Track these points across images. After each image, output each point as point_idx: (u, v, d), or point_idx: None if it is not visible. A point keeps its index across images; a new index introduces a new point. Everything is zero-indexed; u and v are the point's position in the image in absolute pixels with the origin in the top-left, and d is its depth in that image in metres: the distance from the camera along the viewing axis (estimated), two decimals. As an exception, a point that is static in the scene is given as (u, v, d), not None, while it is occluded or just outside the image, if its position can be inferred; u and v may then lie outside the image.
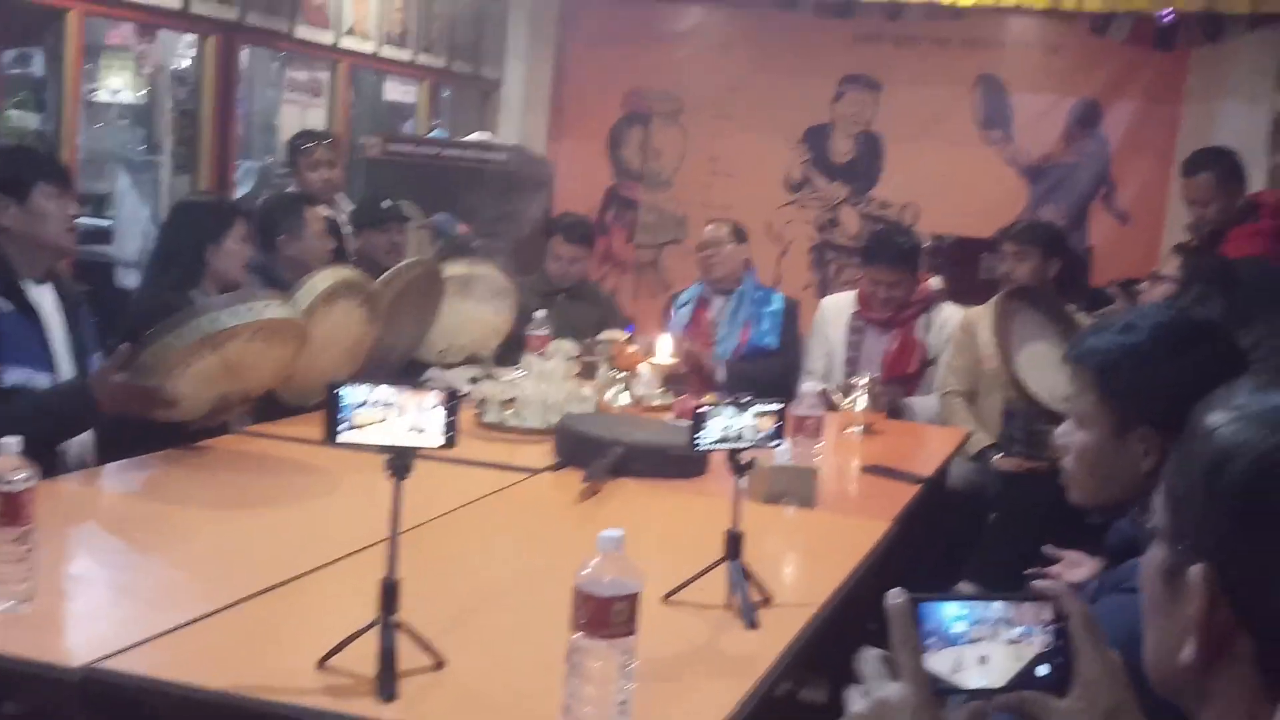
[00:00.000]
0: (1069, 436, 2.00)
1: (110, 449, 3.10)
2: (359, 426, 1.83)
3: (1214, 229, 4.65)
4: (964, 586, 4.04)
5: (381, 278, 3.91)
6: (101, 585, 2.28)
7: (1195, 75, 6.31)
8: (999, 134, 6.68)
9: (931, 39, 6.71)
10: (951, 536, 4.20)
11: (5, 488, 2.01)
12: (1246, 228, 4.60)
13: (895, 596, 1.18)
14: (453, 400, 1.83)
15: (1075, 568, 3.18)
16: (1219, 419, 1.02)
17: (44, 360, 3.02)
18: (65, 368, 3.07)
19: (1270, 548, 0.96)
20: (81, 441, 3.10)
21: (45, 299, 3.09)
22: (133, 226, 5.69)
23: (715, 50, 7.06)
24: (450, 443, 1.83)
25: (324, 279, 3.54)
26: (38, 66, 5.78)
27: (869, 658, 1.22)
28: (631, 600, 1.70)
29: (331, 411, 1.82)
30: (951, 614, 1.20)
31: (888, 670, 1.21)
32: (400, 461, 1.83)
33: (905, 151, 6.80)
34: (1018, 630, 1.21)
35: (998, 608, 1.21)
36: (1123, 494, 1.92)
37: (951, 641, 1.20)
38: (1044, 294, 4.54)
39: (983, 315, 4.49)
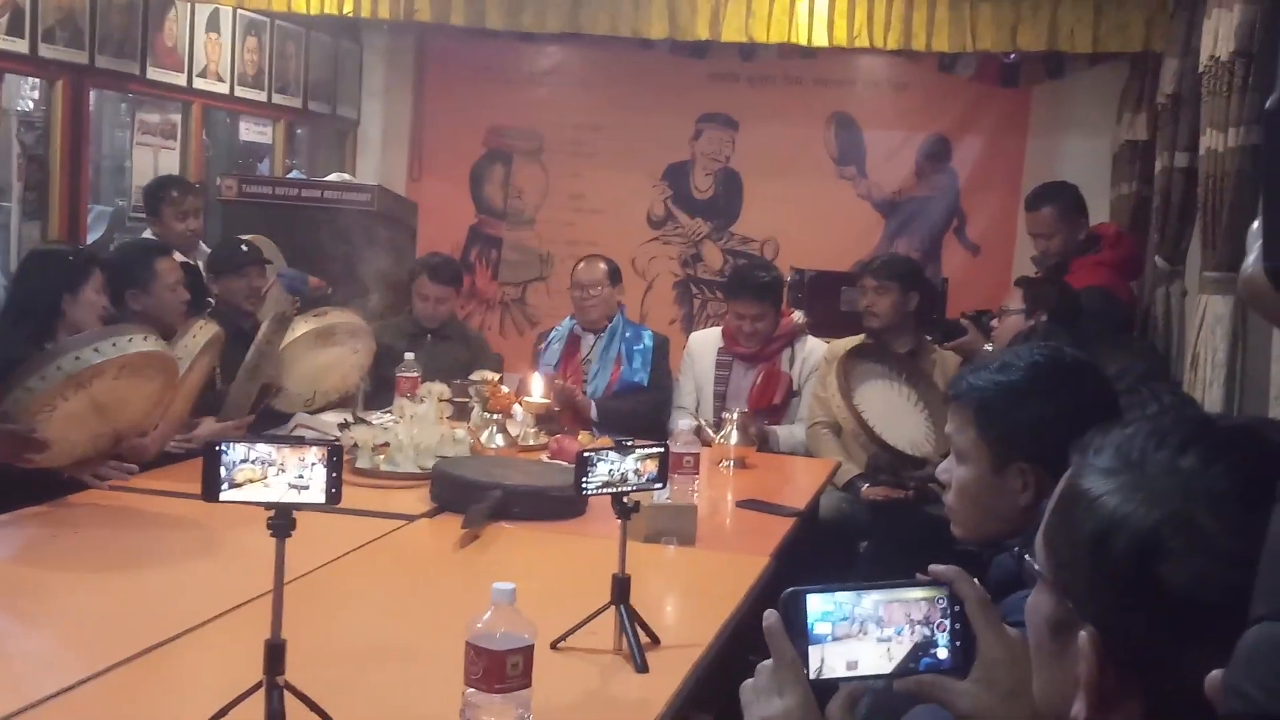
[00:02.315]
0: (949, 473, 2.05)
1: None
2: (239, 484, 1.79)
3: (1058, 261, 4.81)
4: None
5: (262, 336, 3.88)
6: (-35, 656, 2.19)
7: (1038, 110, 6.55)
8: (853, 170, 6.84)
9: (785, 78, 6.84)
10: (825, 567, 4.26)
11: None
12: (1088, 259, 4.77)
13: (769, 615, 1.21)
14: (335, 456, 1.80)
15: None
16: (1101, 486, 1.02)
17: None
18: None
19: (1157, 622, 0.97)
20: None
21: None
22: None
23: (574, 89, 7.10)
24: (333, 499, 1.81)
25: (203, 332, 3.56)
26: None
27: (760, 669, 1.25)
28: (526, 653, 1.70)
29: (211, 469, 1.79)
30: (836, 604, 1.23)
31: (772, 683, 1.23)
32: (282, 520, 1.80)
33: (764, 187, 6.92)
34: (903, 616, 1.24)
35: (881, 595, 1.24)
36: (1003, 528, 1.98)
37: (836, 632, 1.22)
38: (882, 348, 4.63)
39: (831, 369, 4.56)
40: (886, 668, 1.23)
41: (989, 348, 4.35)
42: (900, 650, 1.24)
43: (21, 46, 4.77)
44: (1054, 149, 6.46)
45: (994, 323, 4.39)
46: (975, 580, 1.26)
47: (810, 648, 1.22)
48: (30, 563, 2.77)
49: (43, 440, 2.86)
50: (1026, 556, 1.09)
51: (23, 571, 2.69)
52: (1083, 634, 1.01)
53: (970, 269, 6.62)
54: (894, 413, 4.48)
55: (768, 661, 1.25)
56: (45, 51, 4.89)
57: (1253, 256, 1.43)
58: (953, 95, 6.66)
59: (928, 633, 1.23)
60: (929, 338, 4.85)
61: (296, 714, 1.82)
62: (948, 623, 1.24)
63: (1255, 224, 1.41)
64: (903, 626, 1.24)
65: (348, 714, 1.87)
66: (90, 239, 5.71)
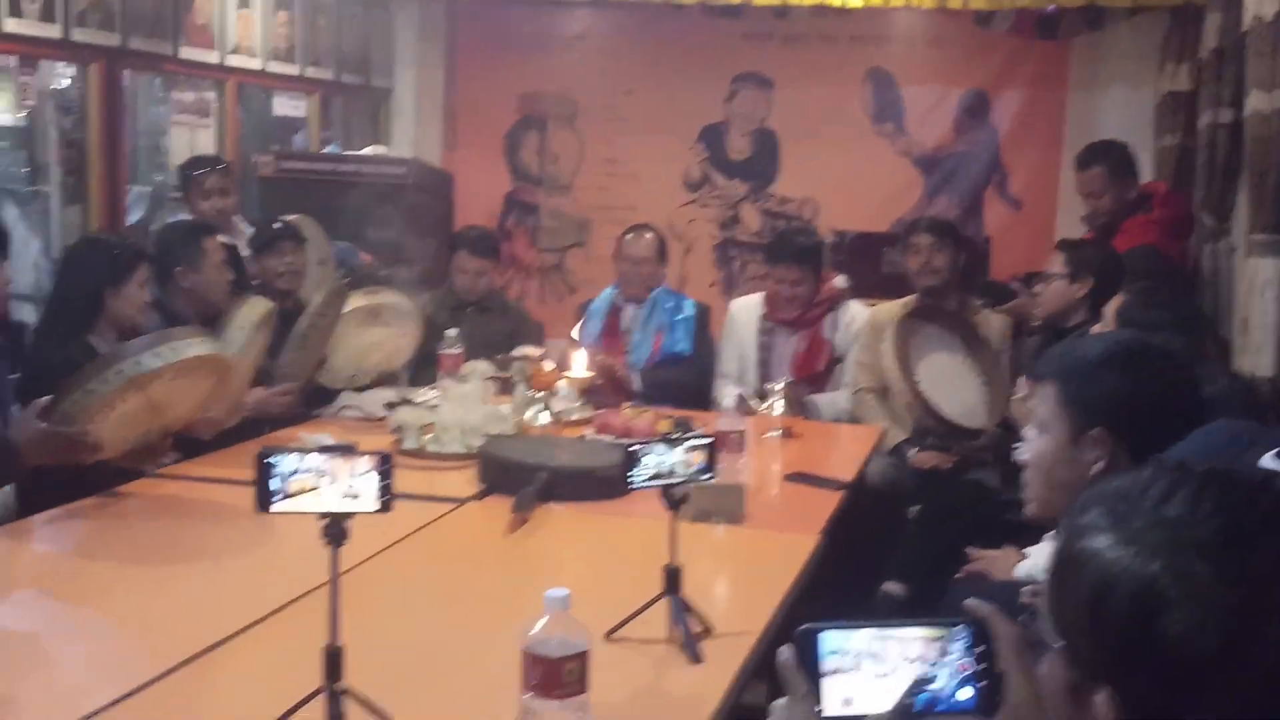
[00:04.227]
0: (1027, 447, 2.09)
1: (30, 497, 3.02)
2: (292, 495, 1.80)
3: (1108, 221, 4.75)
4: (890, 586, 4.10)
5: (311, 310, 3.91)
6: (29, 660, 2.21)
7: (1078, 63, 6.44)
8: (891, 127, 6.76)
9: (820, 36, 6.76)
10: (872, 534, 4.25)
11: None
12: (1139, 219, 4.71)
13: (785, 651, 1.21)
14: (385, 464, 1.80)
15: (998, 563, 3.26)
16: (1093, 545, 1.02)
17: None
18: None
19: (1163, 675, 0.97)
20: (3, 491, 3.02)
21: None
22: (22, 259, 5.52)
23: (607, 52, 7.04)
24: (386, 507, 1.81)
25: (253, 309, 3.55)
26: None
27: (773, 707, 1.24)
28: (582, 659, 1.71)
29: (263, 480, 1.79)
30: (849, 640, 1.22)
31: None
32: (335, 529, 1.81)
33: (801, 147, 6.85)
34: (922, 653, 1.23)
35: (895, 633, 1.23)
36: (1072, 502, 1.98)
37: (852, 668, 1.22)
38: (941, 310, 4.60)
39: (887, 331, 4.54)
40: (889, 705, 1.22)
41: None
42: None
43: (55, 31, 4.77)
44: (1095, 101, 6.35)
45: (1037, 288, 4.34)
46: (1010, 620, 1.24)
47: (823, 682, 1.21)
48: (86, 557, 2.80)
49: (96, 443, 2.89)
50: (1033, 622, 1.08)
51: (79, 567, 2.73)
52: (1098, 698, 1.01)
53: (1012, 226, 6.54)
54: (950, 383, 4.46)
55: (782, 700, 1.25)
56: (78, 35, 4.88)
57: None
58: (990, 49, 6.56)
59: (930, 670, 1.22)
60: (978, 300, 4.80)
61: (355, 715, 1.83)
62: (972, 662, 1.23)
63: None
64: (915, 663, 1.22)
65: (407, 717, 1.88)
66: (130, 220, 5.74)
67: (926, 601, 3.72)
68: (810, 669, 1.21)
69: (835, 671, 1.20)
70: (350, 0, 6.70)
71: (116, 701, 1.96)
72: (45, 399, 2.85)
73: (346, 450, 1.82)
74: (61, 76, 6.11)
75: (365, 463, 1.81)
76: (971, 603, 1.25)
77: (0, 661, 2.12)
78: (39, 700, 2.01)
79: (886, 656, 1.20)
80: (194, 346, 2.99)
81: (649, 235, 5.04)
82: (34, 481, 3.01)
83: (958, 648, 1.22)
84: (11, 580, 2.57)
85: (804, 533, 3.01)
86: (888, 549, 4.21)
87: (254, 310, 3.65)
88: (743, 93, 6.96)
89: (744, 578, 2.85)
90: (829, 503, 3.32)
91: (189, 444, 3.49)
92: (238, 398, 3.65)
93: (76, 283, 3.58)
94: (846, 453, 4.07)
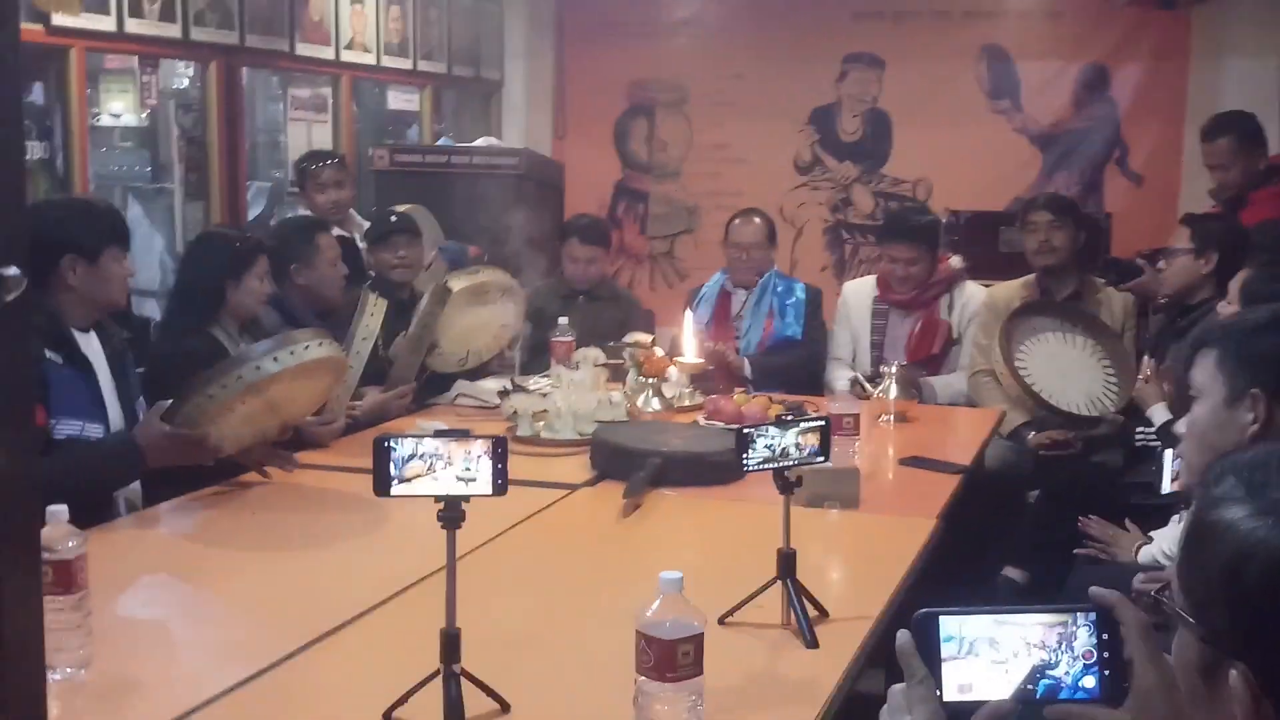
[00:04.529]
0: (1185, 422, 2.14)
1: (156, 487, 3.10)
2: (409, 479, 1.82)
3: (1235, 193, 4.61)
4: (1010, 571, 4.03)
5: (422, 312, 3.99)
6: (156, 644, 2.27)
7: (1199, 33, 6.25)
8: (1007, 103, 6.64)
9: (931, 12, 6.66)
10: (991, 519, 4.18)
11: (56, 556, 2.00)
12: (1267, 190, 4.56)
13: (904, 635, 1.19)
14: (500, 448, 1.82)
15: (1122, 541, 3.18)
16: (1228, 516, 0.99)
17: (95, 410, 3.02)
18: (115, 415, 3.08)
19: None
20: (129, 489, 3.11)
21: (92, 347, 3.09)
22: (147, 255, 5.68)
23: (715, 37, 7.01)
24: (500, 491, 1.82)
25: (375, 316, 3.86)
26: (38, 95, 5.76)
27: (892, 690, 1.22)
28: (696, 641, 1.70)
29: (381, 464, 1.82)
30: (968, 627, 1.19)
31: (903, 702, 1.21)
32: (452, 512, 1.82)
33: (914, 127, 6.76)
34: (1042, 640, 1.19)
35: (1015, 618, 1.20)
36: None
37: (972, 653, 1.19)
38: (1053, 302, 4.51)
39: (1005, 300, 4.46)
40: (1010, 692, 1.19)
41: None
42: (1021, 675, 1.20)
43: (174, 31, 4.90)
44: (1218, 72, 6.17)
45: (1161, 264, 4.22)
46: (1136, 607, 1.21)
47: (943, 666, 1.19)
48: (210, 544, 2.87)
49: (216, 446, 2.95)
50: (1164, 598, 1.05)
51: (209, 554, 2.79)
52: (1233, 673, 0.98)
53: (1134, 202, 6.38)
54: (1066, 370, 4.36)
55: (900, 685, 1.22)
56: (197, 34, 5.01)
57: None
58: (1108, 21, 6.40)
59: (1050, 657, 1.18)
60: (1100, 279, 4.69)
61: (471, 696, 1.85)
62: (1095, 650, 1.19)
63: None
64: (1035, 649, 1.19)
65: (522, 696, 1.90)
66: (250, 216, 5.86)
67: (1047, 587, 3.65)
68: (929, 654, 1.19)
69: (954, 657, 1.18)
70: (460, -7, 6.77)
71: (239, 685, 2.00)
72: (167, 401, 2.91)
73: (461, 435, 1.83)
74: (182, 76, 6.26)
75: (480, 446, 1.82)
76: (1096, 590, 1.21)
77: (126, 644, 2.17)
78: (163, 683, 2.05)
79: (1005, 642, 1.18)
80: (313, 350, 3.04)
81: (757, 220, 5.01)
82: (159, 475, 3.08)
83: (1082, 635, 1.19)
84: (137, 565, 2.63)
85: (920, 517, 2.97)
86: (1007, 534, 4.13)
87: (378, 310, 3.79)
88: (853, 73, 6.89)
89: (859, 562, 2.82)
90: (946, 487, 3.27)
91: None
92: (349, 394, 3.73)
93: (198, 276, 3.67)
94: (964, 436, 4.01)
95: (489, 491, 1.82)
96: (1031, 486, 4.31)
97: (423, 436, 1.82)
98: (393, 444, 1.81)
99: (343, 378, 3.33)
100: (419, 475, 1.82)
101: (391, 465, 1.81)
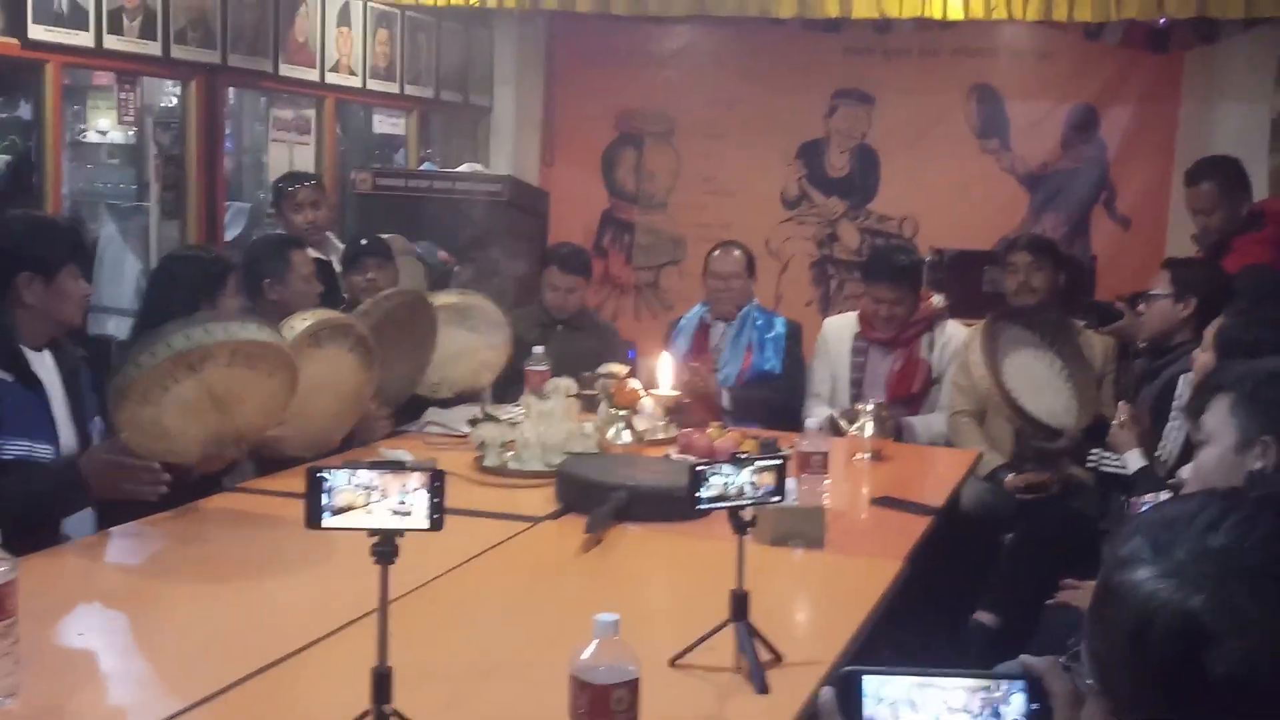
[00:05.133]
0: (1190, 467, 2.15)
1: (110, 508, 3.03)
2: (341, 510, 1.76)
3: (1218, 238, 4.57)
4: (981, 616, 3.96)
5: (356, 310, 3.84)
6: (90, 672, 2.21)
7: (1191, 77, 6.24)
8: (996, 143, 6.61)
9: (922, 50, 6.64)
10: (965, 562, 4.12)
11: (-16, 582, 1.94)
12: (1251, 236, 4.53)
13: (826, 693, 1.14)
14: (437, 481, 1.76)
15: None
16: (1132, 578, 0.95)
17: (45, 430, 2.96)
18: (66, 435, 3.02)
19: (1211, 711, 0.90)
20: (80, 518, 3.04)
21: (45, 366, 3.03)
22: (114, 271, 5.63)
23: (705, 69, 6.99)
24: (436, 525, 1.76)
25: (304, 318, 3.46)
26: (25, 111, 5.72)
27: None
28: (631, 687, 1.63)
29: (313, 496, 1.76)
30: (892, 687, 1.14)
31: None
32: (386, 546, 1.76)
33: (902, 164, 6.74)
34: (965, 705, 1.14)
35: (941, 682, 1.15)
36: None
37: (890, 717, 1.14)
38: (1031, 310, 4.47)
39: (975, 335, 4.42)
40: None
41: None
42: None
43: (154, 49, 4.85)
44: (1208, 116, 6.15)
45: (1140, 308, 4.18)
46: (1067, 675, 1.15)
47: None
48: (151, 572, 2.80)
49: (159, 477, 2.87)
50: (1073, 664, 1.00)
51: (151, 583, 2.72)
52: None
53: (1121, 244, 6.35)
54: (1038, 383, 4.32)
55: None
56: (178, 52, 4.97)
57: None
58: (1100, 63, 6.39)
59: None
60: (1082, 321, 4.65)
61: (404, 739, 1.79)
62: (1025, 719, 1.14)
63: None
64: (958, 715, 1.14)
65: (456, 741, 1.83)
66: (229, 236, 5.81)
67: (1019, 633, 3.58)
68: (851, 714, 1.14)
69: (875, 718, 1.13)
70: (450, 18, 6.74)
71: (167, 719, 1.94)
72: (118, 437, 2.85)
73: (397, 467, 1.77)
74: (169, 95, 6.23)
75: (416, 479, 1.76)
76: (1027, 659, 1.17)
77: (56, 673, 2.11)
78: (90, 714, 1.99)
79: (925, 706, 1.12)
80: (249, 330, 2.97)
81: (737, 251, 4.97)
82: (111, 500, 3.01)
83: (1015, 702, 1.13)
84: (75, 593, 2.56)
85: (887, 558, 2.90)
86: (981, 578, 4.07)
87: (307, 319, 3.50)
88: (843, 108, 6.86)
89: (820, 605, 2.76)
90: (916, 528, 3.21)
91: (274, 461, 3.49)
92: (321, 413, 3.61)
93: (168, 296, 3.59)
94: (938, 477, 3.95)
95: (424, 526, 1.76)
96: (1008, 530, 4.25)
97: (356, 468, 1.76)
98: (326, 474, 1.75)
99: (294, 383, 3.21)
100: (353, 507, 1.76)
101: (324, 496, 1.75)
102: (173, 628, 2.41)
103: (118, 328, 5.32)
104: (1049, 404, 4.29)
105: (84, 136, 6.53)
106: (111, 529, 2.96)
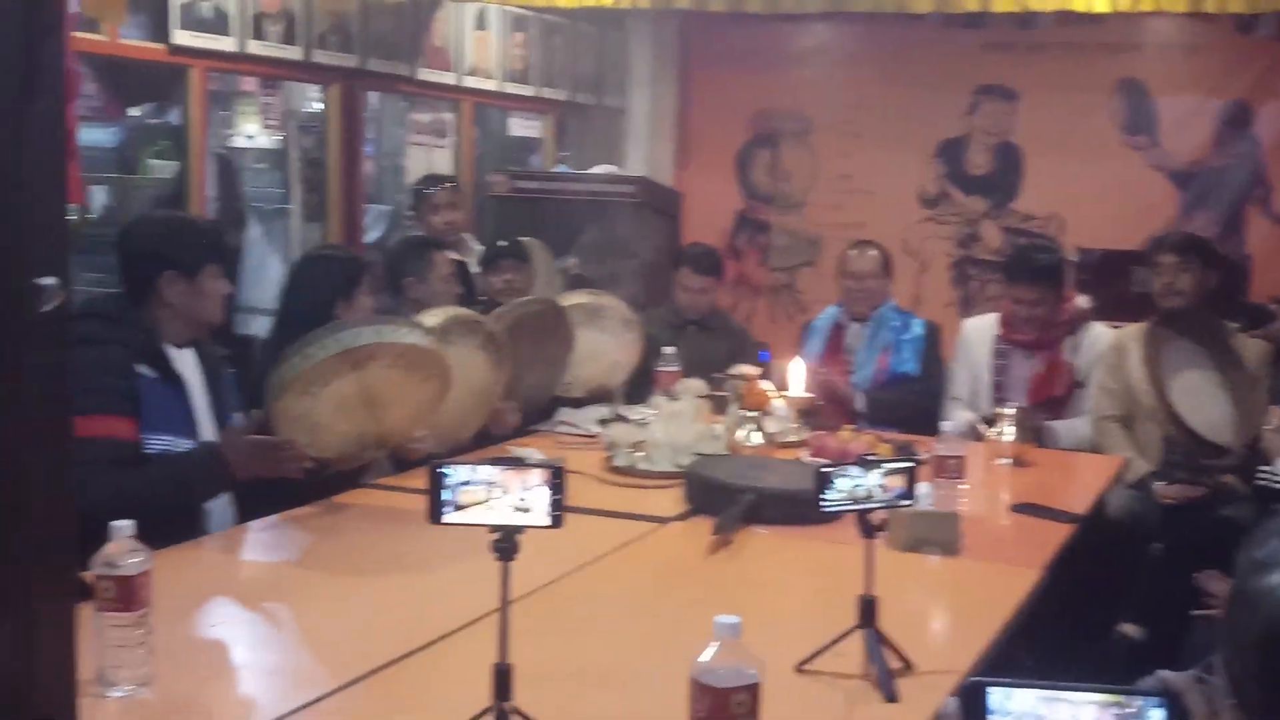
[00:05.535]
0: None
1: (250, 502, 3.09)
2: (463, 506, 1.75)
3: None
4: (1126, 627, 3.83)
5: (493, 313, 3.86)
6: (222, 664, 2.24)
7: (1350, 70, 5.96)
8: (1144, 139, 6.39)
9: (1066, 45, 6.45)
10: (1110, 570, 3.98)
11: (118, 572, 1.98)
12: None
13: (950, 704, 1.09)
14: (557, 478, 1.74)
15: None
16: (1265, 584, 0.90)
17: (187, 426, 3.02)
18: (207, 432, 3.08)
19: None
20: (220, 505, 3.10)
21: (187, 364, 3.10)
22: (259, 273, 5.76)
23: (842, 67, 6.90)
24: (556, 523, 1.74)
25: (434, 316, 3.48)
26: (175, 116, 5.90)
27: None
28: (752, 691, 1.59)
29: (435, 491, 1.75)
30: (1014, 702, 1.09)
31: None
32: (506, 543, 1.75)
33: (1046, 161, 6.55)
34: None
35: (1070, 697, 1.08)
36: None
37: None
38: (1194, 318, 4.29)
39: (1133, 342, 4.25)
40: None
41: None
42: None
43: (296, 54, 4.95)
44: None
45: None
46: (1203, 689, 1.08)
47: None
48: (286, 566, 2.84)
49: (302, 455, 2.91)
50: (1206, 679, 0.92)
51: (288, 575, 2.76)
52: None
53: (1277, 244, 6.08)
54: (1198, 398, 4.14)
55: None
56: (319, 57, 5.06)
57: None
58: (1252, 57, 6.13)
59: None
60: (1234, 324, 4.46)
61: (527, 738, 1.77)
62: None
63: None
64: None
65: (576, 741, 1.81)
66: (369, 239, 5.92)
67: (1165, 645, 3.45)
68: None
69: None
70: (585, 21, 6.77)
71: (294, 711, 1.96)
72: (258, 411, 2.90)
73: (518, 464, 1.76)
74: (313, 100, 6.37)
75: (537, 476, 1.75)
76: (1166, 674, 1.10)
77: (189, 664, 2.14)
78: (222, 705, 2.02)
79: None
80: (416, 335, 3.01)
81: (873, 251, 4.88)
82: (253, 493, 3.07)
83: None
84: (211, 586, 2.61)
85: (1025, 567, 2.81)
86: (1126, 588, 3.92)
87: (436, 316, 3.49)
88: (984, 105, 6.70)
89: (954, 613, 2.68)
90: (1057, 536, 3.10)
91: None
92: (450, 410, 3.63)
93: (307, 297, 3.66)
94: (1082, 484, 3.82)
95: (545, 523, 1.75)
96: (1156, 539, 4.09)
97: (478, 465, 1.75)
98: (447, 470, 1.74)
99: (446, 392, 3.24)
100: (474, 503, 1.75)
101: (445, 492, 1.74)
102: (305, 621, 2.44)
103: (262, 328, 5.44)
104: (1209, 417, 4.10)
105: (232, 141, 6.71)
106: (249, 523, 3.02)
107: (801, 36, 6.92)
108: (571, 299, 4.27)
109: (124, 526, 2.02)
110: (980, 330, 4.76)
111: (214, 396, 3.15)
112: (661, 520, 3.14)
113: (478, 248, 5.28)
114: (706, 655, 1.61)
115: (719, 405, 4.06)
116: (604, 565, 2.78)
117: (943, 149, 6.77)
